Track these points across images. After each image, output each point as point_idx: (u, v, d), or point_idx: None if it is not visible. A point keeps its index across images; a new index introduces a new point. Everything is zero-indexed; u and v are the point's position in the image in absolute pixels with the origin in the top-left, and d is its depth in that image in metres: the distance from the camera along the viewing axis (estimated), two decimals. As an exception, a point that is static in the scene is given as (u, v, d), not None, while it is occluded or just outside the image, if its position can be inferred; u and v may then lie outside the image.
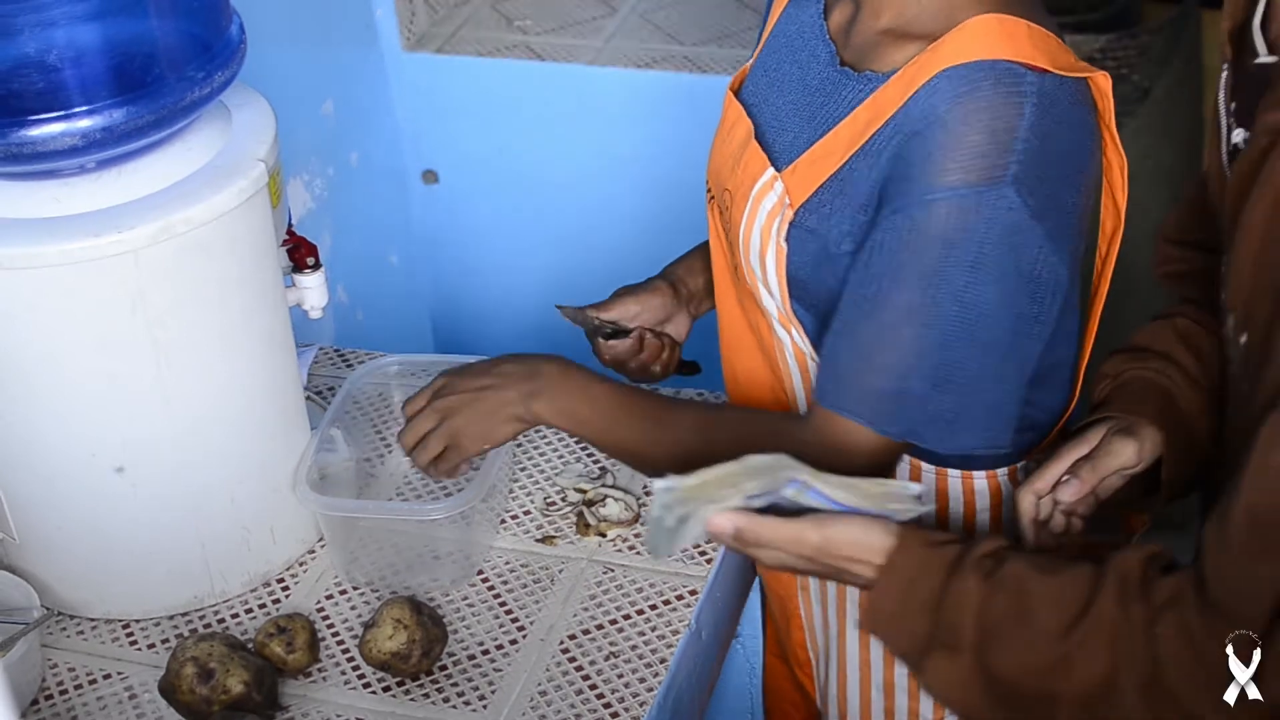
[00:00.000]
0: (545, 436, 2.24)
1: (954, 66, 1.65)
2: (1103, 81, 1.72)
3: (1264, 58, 1.53)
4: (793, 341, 1.87)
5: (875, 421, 1.72)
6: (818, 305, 1.80)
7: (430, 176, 3.35)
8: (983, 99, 1.63)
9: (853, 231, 1.73)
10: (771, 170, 1.81)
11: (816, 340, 1.84)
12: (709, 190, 1.97)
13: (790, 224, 1.78)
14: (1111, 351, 1.86)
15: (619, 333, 2.08)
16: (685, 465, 1.61)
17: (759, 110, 1.87)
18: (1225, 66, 1.61)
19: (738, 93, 1.94)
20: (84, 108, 1.74)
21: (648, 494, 2.13)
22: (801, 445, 1.70)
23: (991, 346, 1.70)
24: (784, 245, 1.79)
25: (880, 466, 1.75)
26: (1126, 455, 1.74)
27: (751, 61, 1.95)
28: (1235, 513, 1.40)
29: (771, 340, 1.90)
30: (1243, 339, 1.52)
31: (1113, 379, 1.82)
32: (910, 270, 1.66)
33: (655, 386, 2.12)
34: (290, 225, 2.03)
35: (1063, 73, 1.67)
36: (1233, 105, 1.59)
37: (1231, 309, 1.56)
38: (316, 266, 2.03)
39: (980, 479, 1.87)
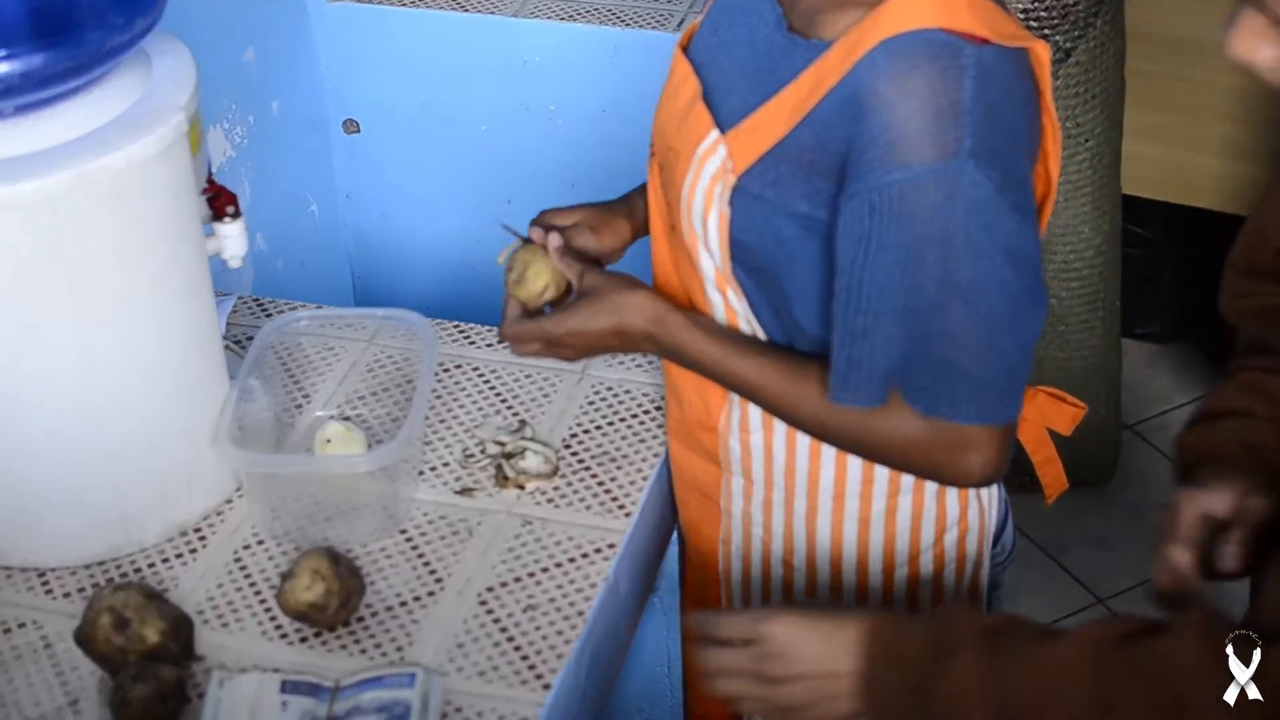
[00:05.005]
0: (464, 387, 2.24)
1: (892, 38, 1.65)
2: (1042, 52, 1.72)
3: None
4: (725, 304, 1.87)
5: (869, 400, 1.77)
6: (760, 268, 1.81)
7: (351, 126, 3.33)
8: (922, 76, 1.63)
9: (810, 195, 1.73)
10: (716, 133, 1.80)
11: (754, 302, 1.85)
12: (651, 147, 1.97)
13: (733, 189, 1.78)
14: (1187, 423, 1.83)
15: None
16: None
17: (707, 70, 1.86)
18: None
19: (686, 50, 1.93)
20: (1, 52, 1.72)
21: (567, 448, 2.13)
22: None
23: (980, 323, 1.69)
24: (727, 209, 1.79)
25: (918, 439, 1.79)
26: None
27: (700, 18, 1.94)
28: None
29: (703, 301, 1.91)
30: None
31: (1194, 452, 1.79)
32: (880, 253, 1.67)
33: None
34: (210, 174, 2.02)
35: (1003, 42, 1.67)
36: None
37: None
38: (236, 215, 2.02)
39: None
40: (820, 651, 1.67)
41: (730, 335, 1.87)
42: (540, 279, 1.96)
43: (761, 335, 1.87)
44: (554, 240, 1.96)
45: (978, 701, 1.54)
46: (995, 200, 1.65)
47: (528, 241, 2.01)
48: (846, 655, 1.64)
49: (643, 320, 1.87)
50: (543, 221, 2.02)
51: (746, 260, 1.81)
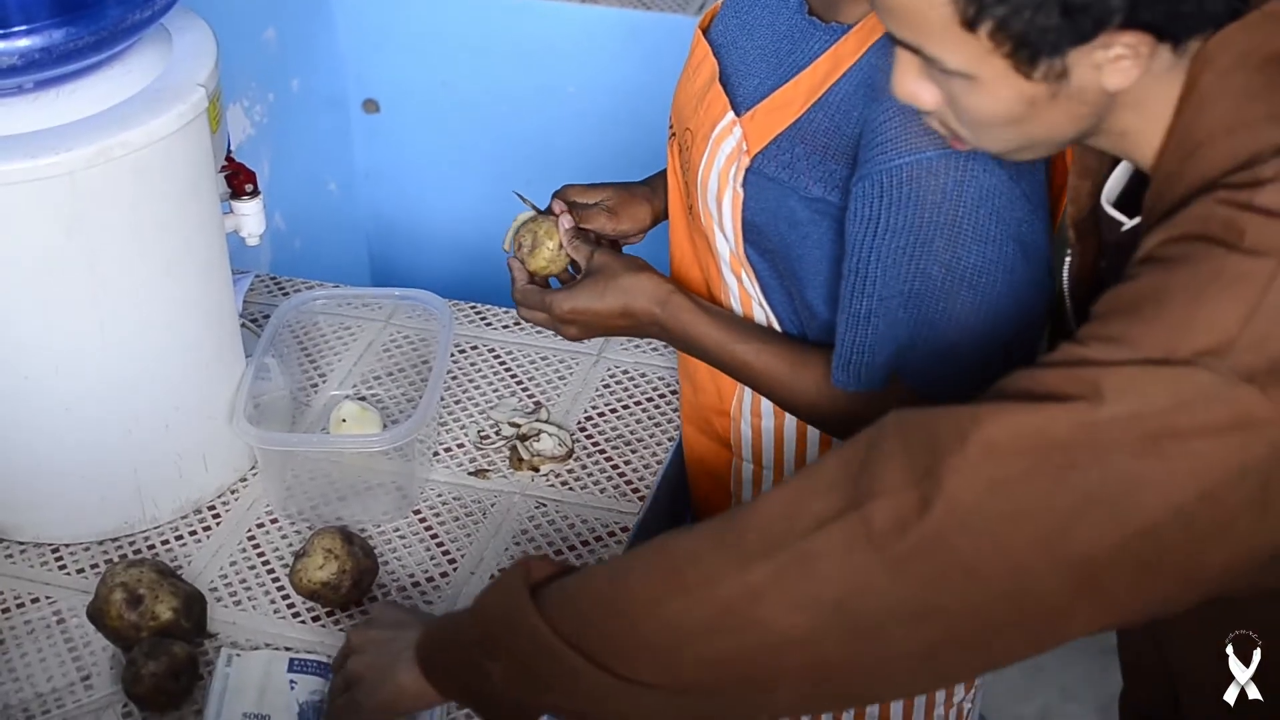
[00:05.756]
0: (479, 369, 2.24)
1: None
2: None
3: (1131, 222, 1.48)
4: (740, 286, 1.87)
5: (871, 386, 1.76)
6: (773, 250, 1.81)
7: (371, 106, 3.33)
8: None
9: (824, 179, 1.72)
10: (731, 114, 1.80)
11: (767, 285, 1.85)
12: (670, 127, 1.97)
13: (747, 170, 1.78)
14: None
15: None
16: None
17: (726, 52, 1.86)
18: (1070, 253, 1.58)
19: (706, 32, 1.93)
20: (23, 27, 1.72)
21: (582, 430, 2.13)
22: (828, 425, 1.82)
23: (986, 310, 1.68)
24: (740, 191, 1.79)
25: None
26: None
27: (722, 1, 1.94)
28: None
29: (719, 283, 1.90)
30: None
31: None
32: (887, 236, 1.67)
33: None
34: (229, 151, 2.02)
35: None
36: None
37: None
38: (255, 193, 2.02)
39: None
40: (391, 617, 1.67)
41: (733, 320, 1.87)
42: (548, 252, 1.96)
43: (774, 319, 1.87)
44: (565, 221, 1.96)
45: (528, 604, 1.47)
46: (1007, 188, 1.64)
47: (541, 213, 2.00)
48: (412, 623, 1.64)
49: (649, 302, 1.87)
50: (564, 196, 2.01)
51: (759, 242, 1.81)
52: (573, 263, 1.96)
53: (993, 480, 1.27)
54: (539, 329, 2.25)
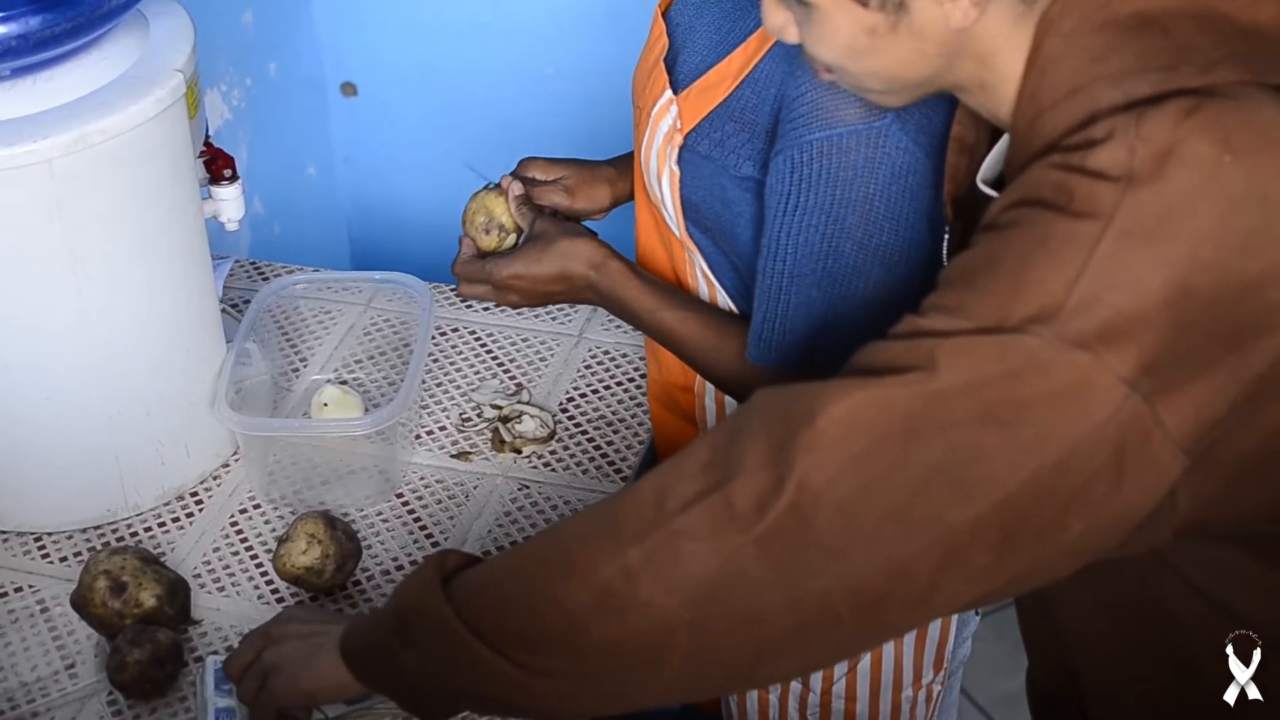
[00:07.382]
0: (460, 351, 2.24)
1: None
2: None
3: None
4: (696, 263, 1.87)
5: (790, 366, 1.74)
6: (711, 228, 1.81)
7: (349, 89, 3.32)
8: None
9: (752, 156, 1.73)
10: (669, 93, 1.81)
11: (713, 262, 1.85)
12: (634, 104, 1.97)
13: (681, 148, 1.78)
14: None
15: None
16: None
17: (680, 31, 1.87)
18: (947, 229, 1.59)
19: (666, 12, 1.93)
20: (-2, 15, 1.72)
21: (564, 412, 2.13)
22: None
23: (900, 288, 1.67)
24: (676, 169, 1.79)
25: None
26: None
27: None
28: None
29: (682, 258, 1.90)
30: None
31: None
32: (799, 214, 1.66)
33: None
34: (207, 136, 2.02)
35: None
36: None
37: None
38: (234, 178, 2.02)
39: None
40: (312, 614, 1.66)
41: (666, 288, 1.87)
42: (502, 224, 1.95)
43: (725, 295, 1.87)
44: (515, 189, 1.95)
45: (437, 592, 1.46)
46: (921, 165, 1.64)
47: (495, 186, 2.00)
48: (334, 620, 1.62)
49: (584, 265, 1.87)
50: (523, 170, 2.01)
51: (699, 220, 1.81)
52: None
53: (842, 456, 1.28)
54: (507, 309, 2.26)
